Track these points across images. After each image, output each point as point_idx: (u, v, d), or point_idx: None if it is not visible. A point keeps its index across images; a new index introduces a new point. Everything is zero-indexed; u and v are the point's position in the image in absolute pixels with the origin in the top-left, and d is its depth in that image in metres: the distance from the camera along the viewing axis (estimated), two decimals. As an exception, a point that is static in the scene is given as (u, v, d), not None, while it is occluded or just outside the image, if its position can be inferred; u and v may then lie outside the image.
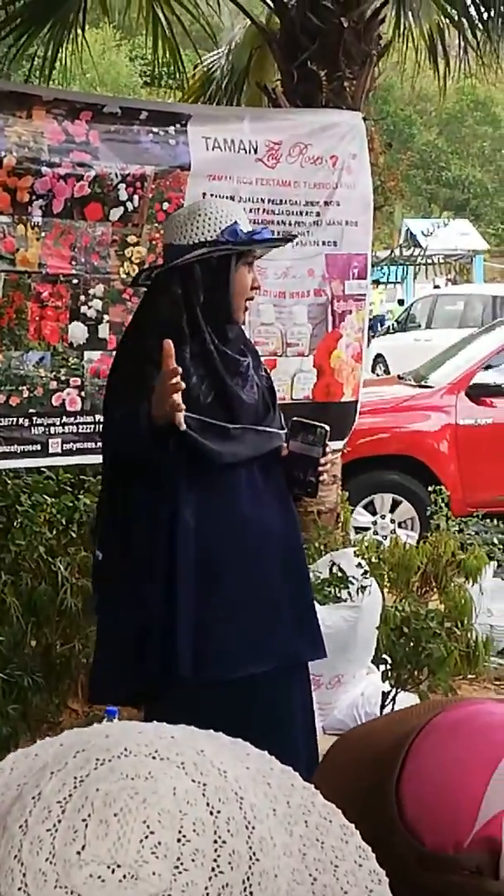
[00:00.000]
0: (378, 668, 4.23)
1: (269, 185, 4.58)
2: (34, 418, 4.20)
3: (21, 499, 4.77)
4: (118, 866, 0.66)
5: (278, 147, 4.59)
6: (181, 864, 0.67)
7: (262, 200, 4.58)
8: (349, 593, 4.31)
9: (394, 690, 4.09)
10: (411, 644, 3.99)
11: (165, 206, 4.39)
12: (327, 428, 2.99)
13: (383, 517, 7.82)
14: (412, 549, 5.66)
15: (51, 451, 4.28)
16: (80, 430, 4.31)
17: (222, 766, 0.73)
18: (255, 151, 4.55)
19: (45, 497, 4.84)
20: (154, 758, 0.72)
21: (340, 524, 5.62)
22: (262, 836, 0.71)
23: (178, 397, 2.76)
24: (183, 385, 2.77)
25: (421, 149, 29.15)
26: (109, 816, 0.68)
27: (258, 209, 4.56)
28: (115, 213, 4.30)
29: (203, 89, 7.52)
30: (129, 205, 4.32)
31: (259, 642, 3.02)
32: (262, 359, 3.44)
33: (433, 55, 6.88)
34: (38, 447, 4.24)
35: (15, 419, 4.15)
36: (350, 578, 4.33)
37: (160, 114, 4.42)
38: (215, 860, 0.68)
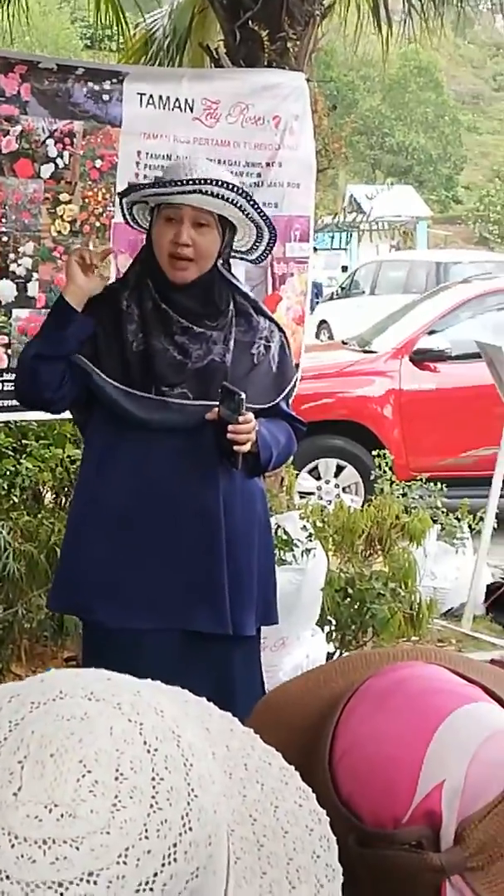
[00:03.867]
0: (323, 629, 4.25)
1: (207, 144, 4.52)
2: None
3: (-39, 464, 4.73)
4: (55, 805, 0.66)
5: (216, 106, 4.54)
6: (119, 801, 0.67)
7: (202, 161, 4.52)
8: (294, 556, 4.31)
9: (338, 652, 4.10)
10: (356, 606, 4.02)
11: (98, 163, 4.34)
12: (244, 395, 2.93)
13: (328, 482, 7.85)
14: (356, 512, 5.67)
15: None
16: (5, 389, 4.26)
17: (159, 706, 0.73)
18: (192, 110, 4.49)
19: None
20: (90, 699, 0.71)
21: (285, 488, 5.62)
22: (201, 774, 0.71)
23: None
24: (86, 261, 3.01)
25: (364, 114, 29.16)
26: (45, 757, 0.67)
27: (198, 169, 4.51)
28: (46, 171, 4.25)
29: (144, 50, 7.42)
30: (59, 161, 4.26)
31: (158, 600, 3.02)
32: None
33: (376, 19, 6.84)
34: None
35: None
36: (295, 541, 4.34)
37: (98, 71, 4.36)
38: (153, 797, 0.68)
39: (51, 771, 0.67)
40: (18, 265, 4.25)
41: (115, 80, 4.32)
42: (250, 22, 5.10)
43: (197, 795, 0.70)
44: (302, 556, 4.28)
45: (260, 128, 4.67)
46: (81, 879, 0.65)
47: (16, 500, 4.89)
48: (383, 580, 4.16)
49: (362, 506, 6.24)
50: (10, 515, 4.72)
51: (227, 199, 2.97)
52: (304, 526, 4.44)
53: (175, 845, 0.67)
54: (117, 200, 4.35)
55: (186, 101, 4.47)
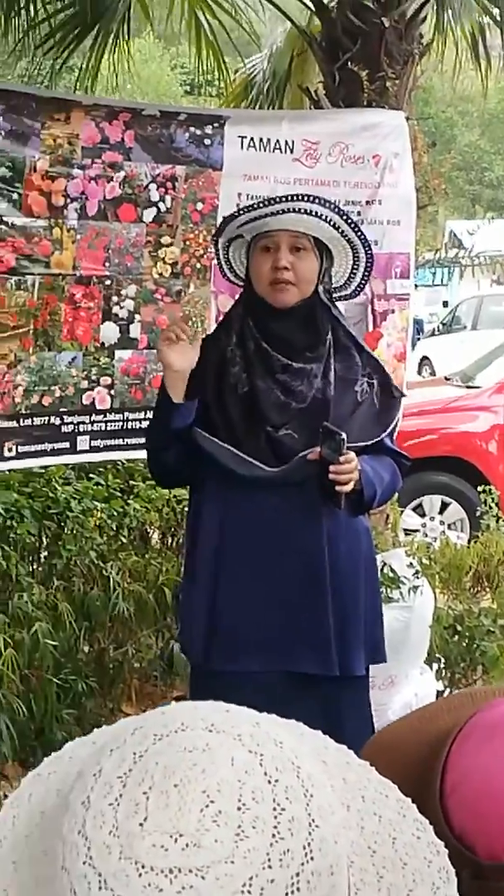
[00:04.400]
0: (431, 667, 4.21)
1: (308, 184, 4.55)
2: (64, 417, 4.23)
3: (71, 505, 4.80)
4: (180, 835, 0.68)
5: (316, 146, 4.58)
6: (242, 831, 0.68)
7: (302, 201, 4.56)
8: (401, 594, 4.28)
9: (447, 690, 4.06)
10: (464, 643, 3.97)
11: (199, 206, 4.41)
12: (344, 436, 2.93)
13: (432, 519, 7.79)
14: (463, 549, 5.63)
15: (79, 448, 4.30)
16: (107, 428, 4.34)
17: (278, 737, 0.74)
18: (292, 151, 4.53)
19: (95, 503, 4.86)
20: (210, 731, 0.73)
21: (390, 525, 5.60)
22: (321, 804, 0.72)
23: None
24: (175, 337, 3.00)
25: (463, 150, 29.05)
26: (170, 787, 0.69)
27: (297, 210, 4.55)
28: (149, 215, 4.32)
29: (245, 94, 7.52)
30: (161, 205, 4.34)
31: (263, 641, 3.03)
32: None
33: (475, 54, 6.84)
34: (67, 444, 4.26)
35: (46, 418, 4.18)
36: (401, 578, 4.31)
37: (199, 115, 4.43)
38: (275, 827, 0.69)
39: (175, 801, 0.68)
40: (121, 307, 4.33)
41: (216, 125, 4.39)
42: (349, 63, 5.14)
43: (318, 826, 0.71)
44: (409, 593, 4.25)
45: (360, 167, 4.69)
46: None
47: (124, 540, 4.96)
48: (492, 616, 4.11)
49: (468, 542, 6.19)
50: (118, 556, 4.77)
51: (321, 216, 2.99)
52: (411, 563, 4.42)
53: (298, 875, 0.68)
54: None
55: (287, 142, 4.52)
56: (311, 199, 2.99)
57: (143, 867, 0.67)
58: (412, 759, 1.03)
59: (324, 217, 2.98)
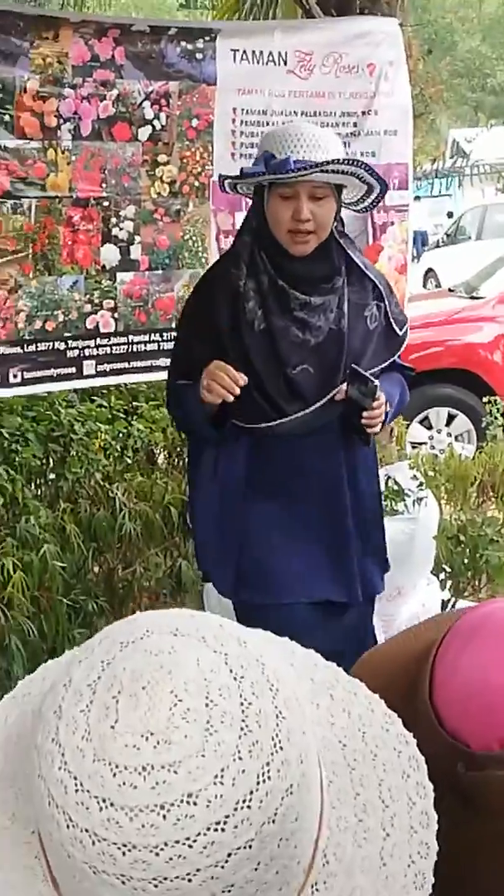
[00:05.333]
0: (437, 577, 4.24)
1: (302, 97, 4.50)
2: (69, 341, 4.22)
3: (75, 427, 4.82)
4: (151, 734, 0.70)
5: (310, 57, 4.51)
6: (211, 725, 0.70)
7: (296, 113, 4.49)
8: (405, 506, 4.30)
9: (453, 599, 4.10)
10: (469, 552, 4.00)
11: (195, 122, 4.35)
12: (377, 383, 2.98)
13: (439, 431, 7.80)
14: (468, 460, 5.64)
15: (85, 372, 4.29)
16: (113, 352, 4.33)
17: (241, 637, 0.76)
18: (285, 63, 4.46)
19: (99, 424, 4.88)
20: (175, 635, 0.75)
21: (395, 438, 5.61)
22: (287, 697, 0.74)
23: (213, 397, 2.91)
24: (222, 398, 2.91)
25: (464, 56, 28.55)
26: (138, 690, 0.71)
27: (292, 122, 4.50)
28: (144, 133, 4.27)
29: (238, 6, 7.39)
30: (156, 123, 4.28)
31: (293, 574, 3.09)
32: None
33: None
34: (73, 369, 4.26)
35: (51, 343, 4.17)
36: (406, 491, 4.33)
37: (190, 30, 4.35)
38: (243, 720, 0.71)
39: (144, 702, 0.71)
40: (121, 229, 4.30)
41: (207, 38, 4.32)
42: (341, -31, 5.04)
43: (285, 717, 0.73)
44: (413, 505, 4.28)
45: (354, 76, 4.62)
46: (182, 801, 0.68)
47: (129, 461, 4.98)
48: (496, 526, 4.14)
49: (474, 453, 6.21)
50: (124, 477, 4.80)
51: (345, 173, 2.93)
52: (415, 475, 4.43)
53: (268, 764, 0.70)
54: (215, 158, 4.37)
55: (280, 54, 4.45)
56: (341, 161, 2.90)
57: (116, 767, 0.69)
58: (399, 669, 1.06)
59: (348, 173, 2.92)
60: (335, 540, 3.13)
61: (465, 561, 4.02)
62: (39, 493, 4.79)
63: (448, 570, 4.08)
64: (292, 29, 4.69)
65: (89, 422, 4.93)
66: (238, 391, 2.88)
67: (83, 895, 0.72)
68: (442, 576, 4.09)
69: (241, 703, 0.72)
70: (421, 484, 4.37)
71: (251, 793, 0.70)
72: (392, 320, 3.17)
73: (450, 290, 9.87)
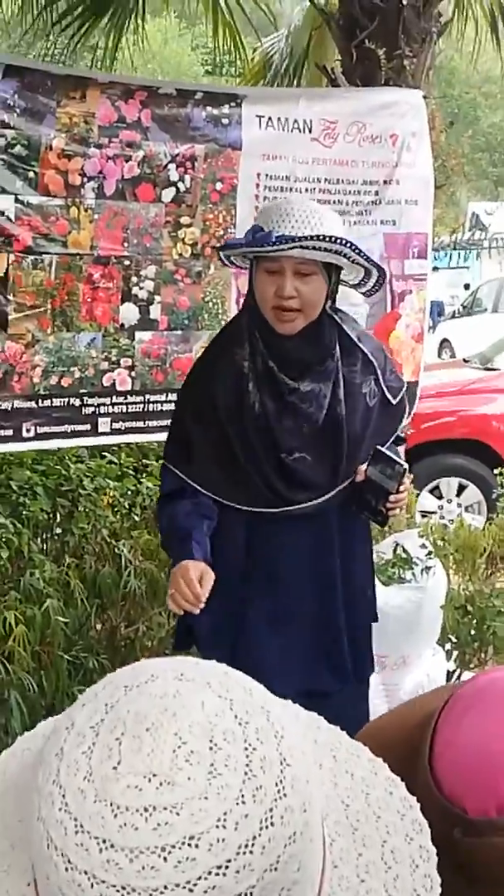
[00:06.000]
0: (443, 648, 4.21)
1: (326, 164, 4.55)
2: (85, 398, 4.23)
3: (84, 483, 4.81)
4: (154, 775, 0.69)
5: (334, 126, 4.56)
6: (214, 769, 0.69)
7: (319, 180, 4.55)
8: (413, 574, 4.28)
9: (458, 670, 4.06)
10: (476, 623, 3.97)
11: (219, 185, 4.39)
12: (406, 466, 2.93)
13: (449, 501, 7.77)
14: (478, 530, 5.61)
15: (100, 430, 4.31)
16: (129, 410, 4.34)
17: (247, 685, 0.75)
18: (310, 130, 4.52)
19: (108, 481, 4.88)
20: (180, 679, 0.75)
21: (405, 506, 5.59)
22: (291, 745, 0.74)
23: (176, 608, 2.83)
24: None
25: (486, 132, 28.88)
26: (142, 732, 0.70)
27: (315, 189, 4.53)
28: (168, 195, 4.31)
29: (263, 73, 7.50)
30: (180, 185, 4.32)
31: (284, 664, 2.99)
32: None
33: (495, 35, 6.79)
34: (88, 427, 4.26)
35: (66, 399, 4.18)
36: (414, 559, 4.30)
37: (215, 95, 4.41)
38: (247, 765, 0.70)
39: (148, 744, 0.70)
40: (141, 288, 4.32)
41: (233, 104, 4.37)
42: (367, 41, 5.12)
43: (289, 764, 0.72)
44: (422, 574, 4.25)
45: (377, 146, 4.68)
46: (183, 843, 0.67)
47: (136, 518, 4.96)
48: (504, 598, 4.12)
49: (484, 524, 6.18)
50: (130, 534, 4.79)
51: (329, 250, 2.79)
52: (424, 544, 4.41)
53: (271, 810, 0.69)
54: (238, 221, 4.40)
55: (305, 121, 4.50)
56: (321, 238, 2.76)
57: (117, 808, 0.68)
58: (401, 740, 1.06)
59: (332, 251, 2.80)
60: (328, 632, 3.07)
61: (472, 632, 3.99)
62: (45, 547, 4.77)
63: (454, 640, 4.04)
64: (317, 97, 4.75)
65: (98, 477, 4.93)
66: (198, 610, 2.78)
67: None
68: (448, 646, 4.05)
69: (246, 749, 0.71)
70: (430, 553, 4.34)
71: (254, 838, 0.68)
72: (385, 389, 3.05)
73: (464, 360, 9.90)
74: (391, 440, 3.15)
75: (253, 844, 0.68)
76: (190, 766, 0.69)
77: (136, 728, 0.70)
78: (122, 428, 4.35)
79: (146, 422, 4.39)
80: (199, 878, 0.67)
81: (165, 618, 4.58)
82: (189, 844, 0.67)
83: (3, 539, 4.29)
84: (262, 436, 2.93)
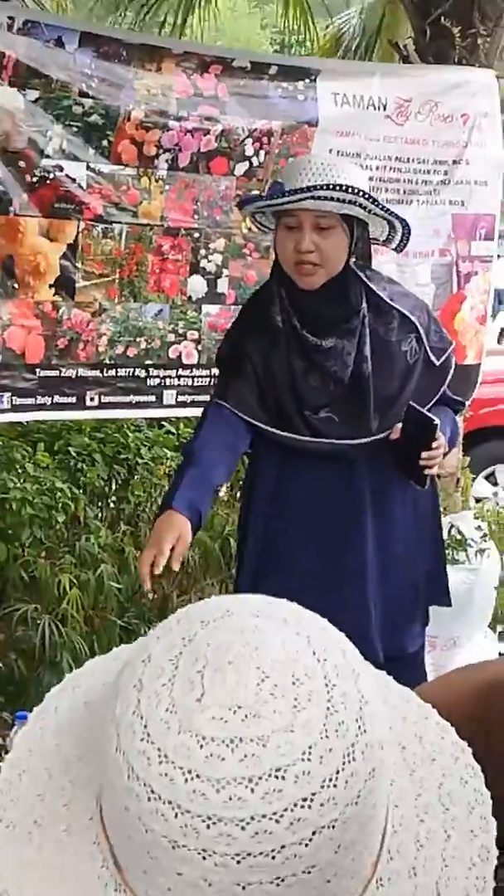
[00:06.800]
0: (495, 630, 4.20)
1: (396, 142, 4.52)
2: (150, 370, 4.24)
3: (141, 452, 4.83)
4: (239, 707, 0.69)
5: (408, 104, 4.53)
6: (298, 703, 0.70)
7: (390, 158, 4.52)
8: (467, 556, 4.27)
9: (510, 654, 4.05)
10: (529, 606, 3.96)
11: (290, 161, 4.37)
12: (437, 421, 2.86)
13: (504, 488, 7.74)
14: (532, 516, 5.59)
15: (165, 402, 4.31)
16: (195, 384, 4.34)
17: (320, 622, 0.77)
18: (385, 108, 4.49)
19: (166, 451, 4.90)
20: (257, 616, 0.75)
21: (461, 489, 5.57)
22: (368, 682, 0.74)
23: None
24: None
25: None
26: (224, 665, 0.71)
27: (385, 167, 4.52)
28: (240, 168, 4.30)
29: (333, 52, 7.46)
30: (254, 160, 4.31)
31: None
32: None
33: None
34: (153, 398, 4.27)
35: (132, 370, 4.19)
36: (468, 541, 4.30)
37: (289, 68, 4.38)
38: (329, 700, 0.71)
39: (231, 677, 0.70)
40: (209, 261, 4.32)
41: (309, 80, 4.35)
42: (441, 18, 5.08)
43: (367, 701, 0.73)
44: (476, 556, 4.24)
45: (448, 125, 4.65)
46: (270, 775, 0.68)
47: (192, 490, 4.97)
48: None
49: (539, 512, 6.13)
50: (186, 505, 4.80)
51: (343, 201, 2.75)
52: (479, 526, 4.40)
53: (353, 745, 0.70)
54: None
55: (380, 98, 4.47)
56: (332, 187, 2.72)
57: (203, 739, 0.69)
58: (464, 696, 1.06)
59: (348, 200, 2.76)
60: (352, 597, 2.96)
61: (525, 615, 3.98)
62: (101, 513, 4.80)
63: (506, 623, 4.04)
64: (391, 74, 4.71)
65: (156, 447, 4.95)
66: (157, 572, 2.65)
67: (156, 874, 0.71)
68: (500, 628, 4.04)
69: (326, 684, 0.71)
70: (484, 535, 4.34)
71: (337, 772, 0.69)
72: (429, 349, 3.00)
73: (525, 347, 9.82)
74: (445, 405, 3.10)
75: (337, 778, 0.69)
76: (274, 700, 0.69)
77: (217, 661, 0.71)
78: (188, 401, 4.35)
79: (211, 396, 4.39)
80: (286, 810, 0.68)
81: (217, 588, 4.60)
82: (276, 776, 0.68)
83: (61, 504, 4.32)
84: (289, 394, 2.92)
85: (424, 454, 2.88)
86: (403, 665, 3.02)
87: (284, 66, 4.41)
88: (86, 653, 3.93)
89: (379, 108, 4.48)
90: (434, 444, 2.87)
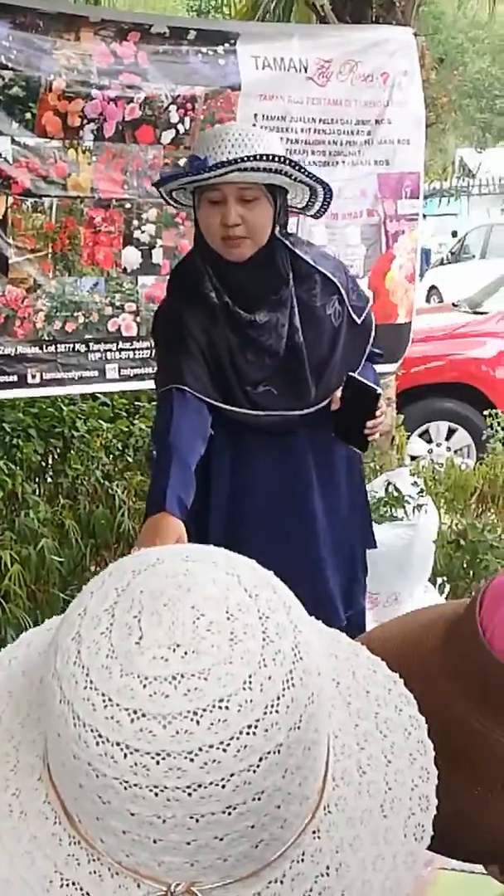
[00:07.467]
0: (435, 585, 4.25)
1: (320, 104, 4.52)
2: (90, 344, 4.21)
3: (77, 424, 4.83)
4: (178, 645, 0.71)
5: (329, 65, 4.53)
6: (234, 636, 0.72)
7: (314, 120, 4.53)
8: (405, 512, 4.32)
9: (451, 606, 4.10)
10: (468, 557, 4.01)
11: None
12: (380, 391, 2.92)
13: (439, 445, 7.80)
14: (468, 470, 5.65)
15: (108, 376, 4.29)
16: (136, 356, 4.32)
17: (249, 563, 0.79)
18: (306, 70, 4.49)
19: (101, 422, 4.89)
20: (186, 560, 0.77)
21: (395, 447, 5.62)
22: (300, 614, 0.77)
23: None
24: None
25: (474, 77, 28.64)
26: (159, 608, 0.73)
27: (310, 129, 4.52)
28: (167, 136, 4.28)
29: (251, 14, 7.40)
30: (180, 127, 4.29)
31: None
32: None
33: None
34: (96, 373, 4.25)
35: (72, 345, 4.16)
36: (406, 497, 4.34)
37: (208, 33, 4.36)
38: (264, 632, 0.73)
39: (167, 618, 0.72)
40: (142, 232, 4.29)
41: (228, 44, 4.33)
42: (357, -22, 5.07)
43: (301, 631, 0.76)
44: (413, 511, 4.29)
45: (369, 85, 4.66)
46: (214, 706, 0.70)
47: (130, 460, 4.99)
48: (497, 532, 4.15)
49: (474, 465, 6.22)
50: (124, 476, 4.81)
51: (269, 170, 2.71)
52: (416, 482, 4.44)
53: (291, 672, 0.73)
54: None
55: (301, 60, 4.47)
56: (257, 157, 2.68)
57: (146, 679, 0.70)
58: (407, 641, 1.07)
59: (272, 170, 2.73)
60: (310, 569, 2.99)
61: (465, 566, 4.03)
62: (39, 488, 4.80)
63: (445, 577, 4.08)
64: (310, 35, 4.70)
65: (91, 419, 4.94)
66: None
67: (110, 818, 0.72)
68: (440, 580, 4.09)
69: (260, 617, 0.74)
70: (421, 491, 4.38)
71: (278, 698, 0.71)
72: (350, 309, 2.99)
73: (453, 304, 9.89)
74: (367, 359, 3.10)
75: (278, 704, 0.71)
76: (211, 635, 0.71)
77: (152, 605, 0.73)
78: (131, 374, 4.33)
79: (154, 367, 4.37)
80: (232, 738, 0.70)
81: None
82: (219, 707, 0.70)
83: (-2, 480, 4.31)
84: (231, 370, 2.90)
85: (370, 423, 2.92)
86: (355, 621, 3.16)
87: (203, 30, 4.39)
88: (30, 627, 3.91)
89: (300, 70, 4.48)
90: (378, 413, 2.91)
